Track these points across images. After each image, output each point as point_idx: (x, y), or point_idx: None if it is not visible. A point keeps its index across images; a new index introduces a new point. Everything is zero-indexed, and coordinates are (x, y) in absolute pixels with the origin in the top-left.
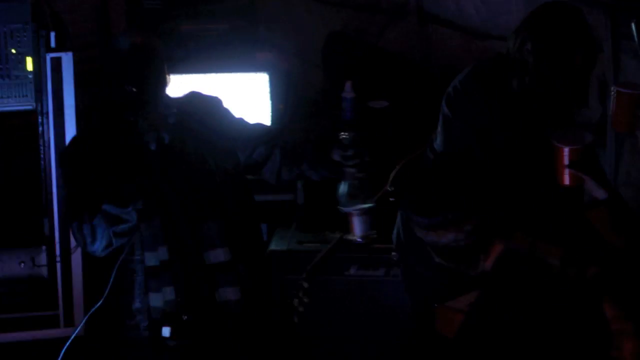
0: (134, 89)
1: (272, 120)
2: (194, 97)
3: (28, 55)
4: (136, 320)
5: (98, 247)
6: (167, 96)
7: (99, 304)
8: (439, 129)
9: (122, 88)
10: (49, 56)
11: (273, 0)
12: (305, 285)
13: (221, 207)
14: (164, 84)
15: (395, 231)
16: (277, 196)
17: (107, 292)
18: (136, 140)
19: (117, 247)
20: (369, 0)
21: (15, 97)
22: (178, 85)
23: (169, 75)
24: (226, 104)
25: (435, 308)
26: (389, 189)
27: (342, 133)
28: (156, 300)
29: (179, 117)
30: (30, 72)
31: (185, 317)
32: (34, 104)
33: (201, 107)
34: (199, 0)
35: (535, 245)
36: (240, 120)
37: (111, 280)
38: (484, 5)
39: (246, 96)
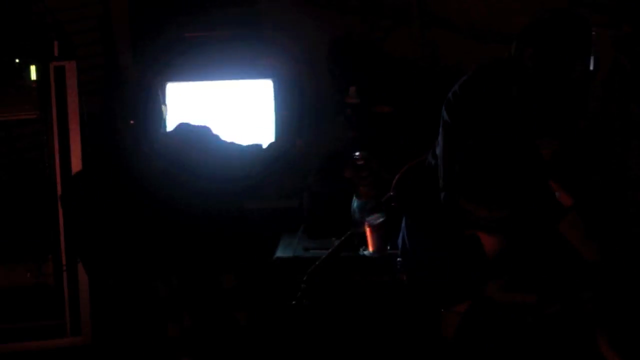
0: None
1: (277, 127)
2: (180, 131)
3: (32, 64)
4: None
5: None
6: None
7: None
8: (440, 135)
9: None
10: (52, 65)
11: (277, 7)
12: (304, 286)
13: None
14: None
15: (400, 237)
16: (284, 202)
17: None
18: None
19: None
20: (374, 5)
21: (19, 105)
22: (182, 94)
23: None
24: (216, 130)
25: (443, 313)
26: (391, 194)
27: (356, 154)
28: None
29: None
30: (34, 81)
31: None
32: (38, 112)
33: (188, 139)
34: (202, 7)
35: (509, 297)
36: (232, 143)
37: None
38: (488, 8)
39: (250, 103)
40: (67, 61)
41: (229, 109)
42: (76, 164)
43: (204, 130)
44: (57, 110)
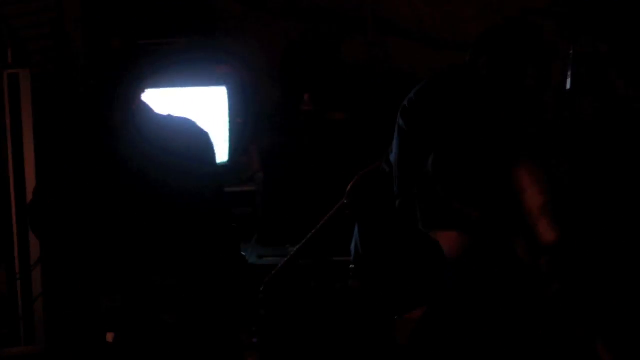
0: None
1: (231, 135)
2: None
3: None
4: None
5: None
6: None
7: None
8: (394, 141)
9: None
10: (6, 73)
11: (231, 15)
12: (261, 296)
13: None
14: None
15: (353, 243)
16: (237, 209)
17: None
18: None
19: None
20: (327, 12)
21: None
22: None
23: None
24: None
25: (396, 320)
26: (345, 201)
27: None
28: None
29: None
30: None
31: None
32: None
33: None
34: (157, 14)
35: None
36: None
37: None
38: (442, 16)
39: (204, 110)
40: (21, 69)
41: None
42: (30, 173)
43: (207, 136)
44: (11, 118)
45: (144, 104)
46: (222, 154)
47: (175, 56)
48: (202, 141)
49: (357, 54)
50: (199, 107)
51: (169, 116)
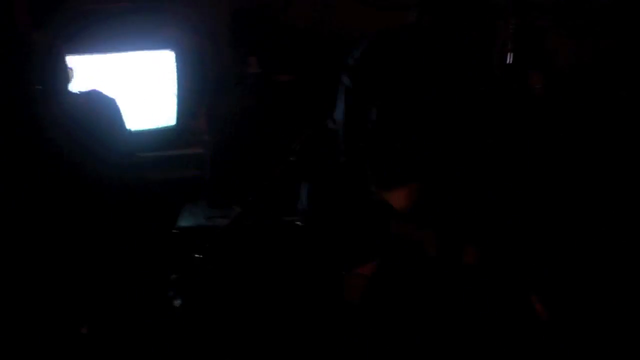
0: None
1: (179, 99)
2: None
3: None
4: None
5: None
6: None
7: None
8: (338, 99)
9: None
10: None
11: None
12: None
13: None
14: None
15: (300, 202)
16: (185, 172)
17: None
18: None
19: None
20: None
21: None
22: (84, 67)
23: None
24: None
25: (344, 276)
26: (292, 159)
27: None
28: None
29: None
30: None
31: None
32: None
33: (96, 108)
34: None
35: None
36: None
37: None
38: None
39: (152, 75)
40: None
41: (131, 81)
42: None
43: (113, 103)
44: None
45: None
46: (170, 118)
47: (122, 20)
48: (112, 110)
49: (304, 16)
50: (146, 72)
51: (77, 94)
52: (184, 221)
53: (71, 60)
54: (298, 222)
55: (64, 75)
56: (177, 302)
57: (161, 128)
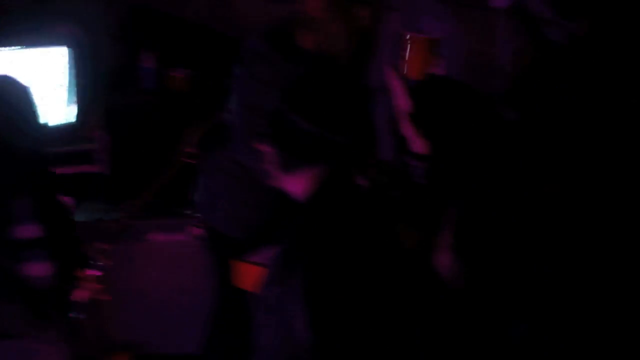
0: None
1: (70, 95)
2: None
3: None
4: None
5: None
6: None
7: None
8: (234, 91)
9: None
10: None
11: None
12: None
13: (29, 185)
14: None
15: (196, 194)
16: (82, 169)
17: None
18: None
19: None
20: None
21: None
22: None
23: None
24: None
25: (235, 263)
26: (189, 151)
27: None
28: None
29: None
30: None
31: None
32: None
33: (13, 89)
34: None
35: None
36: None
37: None
38: None
39: (45, 71)
40: None
41: (24, 77)
42: None
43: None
44: None
45: None
46: (66, 115)
47: (14, 16)
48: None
49: (202, 12)
50: (41, 68)
51: None
52: (82, 216)
53: None
54: (195, 214)
55: None
56: None
57: (57, 125)
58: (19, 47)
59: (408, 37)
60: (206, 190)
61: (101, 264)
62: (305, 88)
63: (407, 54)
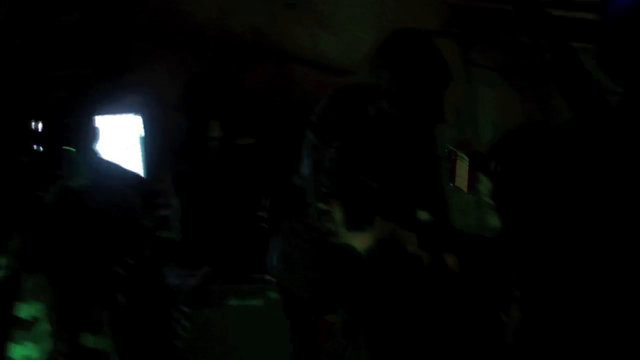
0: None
1: (144, 161)
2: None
3: None
4: None
5: None
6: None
7: None
8: (304, 156)
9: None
10: None
11: (140, 45)
12: (186, 310)
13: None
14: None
15: (270, 258)
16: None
17: None
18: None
19: None
20: (231, 42)
21: None
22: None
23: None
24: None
25: (319, 323)
26: (261, 215)
27: None
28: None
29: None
30: None
31: None
32: None
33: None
34: (69, 45)
35: (395, 232)
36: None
37: None
38: (340, 43)
39: (117, 139)
40: None
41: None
42: None
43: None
44: None
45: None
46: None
47: (86, 86)
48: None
49: (261, 81)
50: (112, 136)
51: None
52: (156, 282)
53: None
54: (268, 277)
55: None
56: None
57: None
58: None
59: (452, 155)
60: (279, 254)
61: (180, 329)
62: (372, 149)
63: (452, 169)
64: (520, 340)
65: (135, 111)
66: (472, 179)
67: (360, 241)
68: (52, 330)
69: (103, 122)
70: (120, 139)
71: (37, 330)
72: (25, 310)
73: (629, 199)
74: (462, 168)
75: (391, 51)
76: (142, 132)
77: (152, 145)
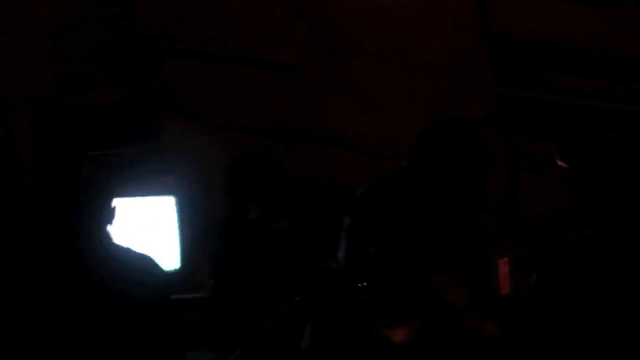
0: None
1: (180, 243)
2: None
3: None
4: None
5: None
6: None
7: None
8: (341, 240)
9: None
10: None
11: (178, 126)
12: None
13: None
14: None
15: (304, 343)
16: (187, 316)
17: None
18: None
19: None
20: (273, 125)
21: None
22: None
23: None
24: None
25: None
26: (296, 299)
27: None
28: None
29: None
30: None
31: None
32: None
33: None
34: (105, 126)
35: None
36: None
37: None
38: (382, 127)
39: (153, 221)
40: None
41: (133, 225)
42: None
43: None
44: None
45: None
46: (172, 263)
47: (123, 167)
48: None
49: (303, 165)
50: (148, 217)
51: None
52: None
53: None
54: None
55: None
56: None
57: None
58: (128, 196)
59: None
60: (313, 337)
61: None
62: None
63: (496, 276)
64: None
65: (171, 192)
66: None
67: (397, 335)
68: None
69: (137, 204)
70: (156, 222)
71: None
72: None
73: None
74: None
75: (434, 139)
76: (177, 214)
77: (188, 228)
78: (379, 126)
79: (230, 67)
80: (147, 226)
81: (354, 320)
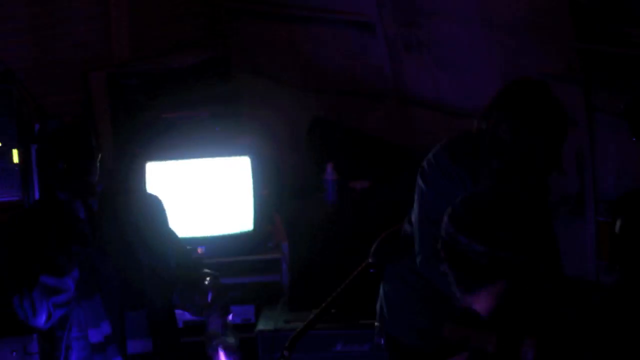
0: (65, 165)
1: (255, 204)
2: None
3: (14, 148)
4: None
5: (40, 320)
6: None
7: None
8: (415, 202)
9: (54, 166)
10: (33, 147)
11: (253, 85)
12: (286, 354)
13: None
14: (93, 157)
15: (378, 304)
16: (263, 277)
17: None
18: (67, 210)
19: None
20: (350, 85)
21: (2, 188)
22: (161, 173)
23: (98, 149)
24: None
25: None
26: (370, 261)
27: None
28: None
29: (106, 186)
30: (16, 164)
31: None
32: (21, 195)
33: (142, 199)
34: (180, 86)
35: (469, 336)
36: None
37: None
38: (461, 86)
39: (228, 181)
40: None
41: (208, 186)
42: None
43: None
44: (40, 191)
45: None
46: (247, 223)
47: (199, 127)
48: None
49: (381, 124)
50: (224, 177)
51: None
52: (263, 324)
53: (151, 167)
54: (376, 323)
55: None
56: None
57: (238, 233)
58: (204, 156)
59: None
60: (387, 299)
61: None
62: (476, 208)
63: None
64: None
65: (247, 153)
66: None
67: (480, 302)
68: None
69: (213, 164)
70: (232, 182)
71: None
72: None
73: None
74: None
75: (509, 100)
76: (253, 175)
77: (263, 188)
78: (456, 84)
79: (308, 27)
80: (223, 186)
81: (428, 284)
